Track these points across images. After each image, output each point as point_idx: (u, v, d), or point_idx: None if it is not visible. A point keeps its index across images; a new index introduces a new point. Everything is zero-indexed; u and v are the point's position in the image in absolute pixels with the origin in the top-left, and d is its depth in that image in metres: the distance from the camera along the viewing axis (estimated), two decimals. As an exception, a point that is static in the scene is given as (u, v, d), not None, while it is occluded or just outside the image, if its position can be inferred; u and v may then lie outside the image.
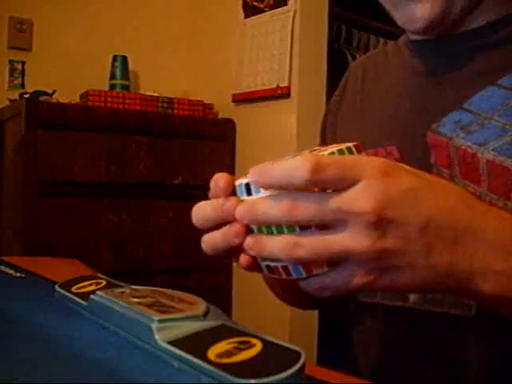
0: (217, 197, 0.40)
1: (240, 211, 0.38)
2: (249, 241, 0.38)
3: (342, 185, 0.36)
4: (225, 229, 0.40)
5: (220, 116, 2.36)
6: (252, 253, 0.39)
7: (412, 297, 0.59)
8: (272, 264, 0.40)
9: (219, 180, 0.40)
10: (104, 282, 0.49)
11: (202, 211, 0.41)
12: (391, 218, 0.36)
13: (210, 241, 0.41)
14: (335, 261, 0.38)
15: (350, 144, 0.41)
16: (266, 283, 0.62)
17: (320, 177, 0.35)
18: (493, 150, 0.56)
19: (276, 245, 0.37)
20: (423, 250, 0.37)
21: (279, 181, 0.36)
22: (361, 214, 0.35)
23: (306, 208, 0.36)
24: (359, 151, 0.41)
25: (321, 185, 0.37)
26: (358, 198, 0.36)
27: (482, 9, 0.62)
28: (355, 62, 0.82)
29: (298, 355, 0.31)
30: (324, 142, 0.76)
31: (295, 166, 0.36)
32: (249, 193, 0.39)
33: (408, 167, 0.40)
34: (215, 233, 0.41)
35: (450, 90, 0.61)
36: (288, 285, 0.53)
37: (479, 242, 0.39)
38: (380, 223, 0.36)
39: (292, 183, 0.36)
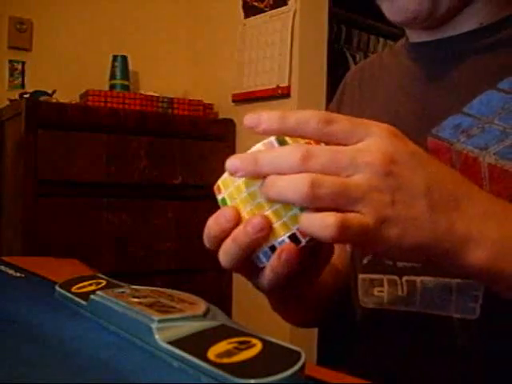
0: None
1: (259, 159, 0.39)
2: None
3: (351, 139, 0.39)
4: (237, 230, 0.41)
5: (220, 116, 2.36)
6: (263, 192, 0.39)
7: (418, 301, 0.59)
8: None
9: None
10: (104, 282, 0.49)
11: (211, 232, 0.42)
12: (398, 172, 0.38)
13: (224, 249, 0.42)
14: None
15: None
16: (272, 306, 0.60)
17: (331, 128, 0.38)
18: (494, 154, 0.56)
19: (289, 183, 0.37)
20: (427, 206, 0.39)
21: (294, 130, 0.39)
22: (371, 165, 0.37)
23: (321, 156, 0.37)
24: None
25: (331, 136, 0.39)
26: (369, 150, 0.38)
27: (474, 11, 0.62)
28: (350, 71, 0.82)
29: (298, 355, 0.31)
30: None
31: (307, 117, 0.38)
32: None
33: None
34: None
35: (450, 93, 0.61)
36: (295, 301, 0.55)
37: (476, 209, 0.42)
38: (388, 175, 0.38)
39: (305, 131, 0.38)
